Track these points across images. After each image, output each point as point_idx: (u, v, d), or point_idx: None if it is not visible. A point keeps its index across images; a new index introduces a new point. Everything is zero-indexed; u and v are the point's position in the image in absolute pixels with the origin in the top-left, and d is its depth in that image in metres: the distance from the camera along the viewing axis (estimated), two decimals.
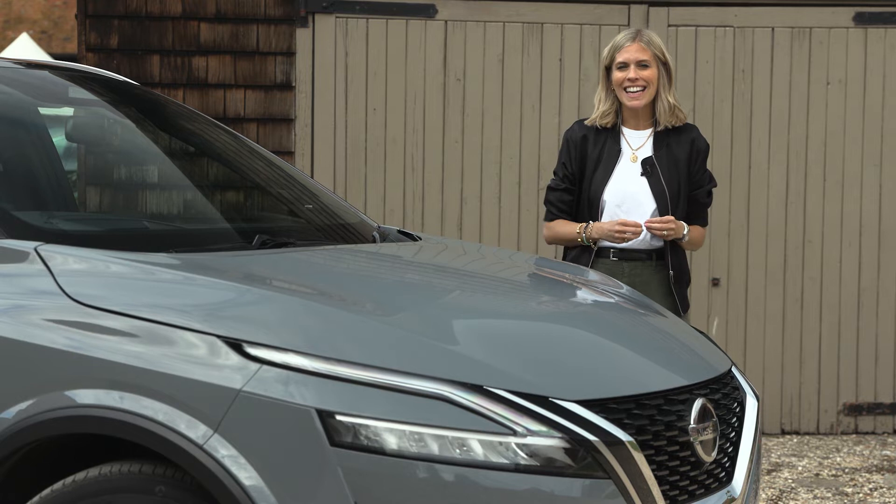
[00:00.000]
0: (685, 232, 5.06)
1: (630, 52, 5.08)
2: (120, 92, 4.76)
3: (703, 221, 5.24)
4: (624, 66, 5.09)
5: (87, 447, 3.30)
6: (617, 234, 4.99)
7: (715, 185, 5.26)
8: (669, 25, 7.31)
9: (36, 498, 3.23)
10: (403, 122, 7.29)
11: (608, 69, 5.16)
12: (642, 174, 5.09)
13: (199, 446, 3.05)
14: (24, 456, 3.28)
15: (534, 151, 7.25)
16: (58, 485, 3.21)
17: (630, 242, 5.03)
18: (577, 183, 5.15)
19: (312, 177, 6.93)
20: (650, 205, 5.07)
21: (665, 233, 5.00)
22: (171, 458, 3.09)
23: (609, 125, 5.15)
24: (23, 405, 3.21)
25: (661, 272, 5.08)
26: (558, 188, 5.20)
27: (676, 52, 7.31)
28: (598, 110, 5.18)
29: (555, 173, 5.24)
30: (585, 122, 5.20)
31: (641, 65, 5.08)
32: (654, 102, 5.13)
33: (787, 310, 7.47)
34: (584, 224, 5.08)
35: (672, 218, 5.02)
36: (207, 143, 4.84)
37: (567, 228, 5.14)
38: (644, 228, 5.00)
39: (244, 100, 7.15)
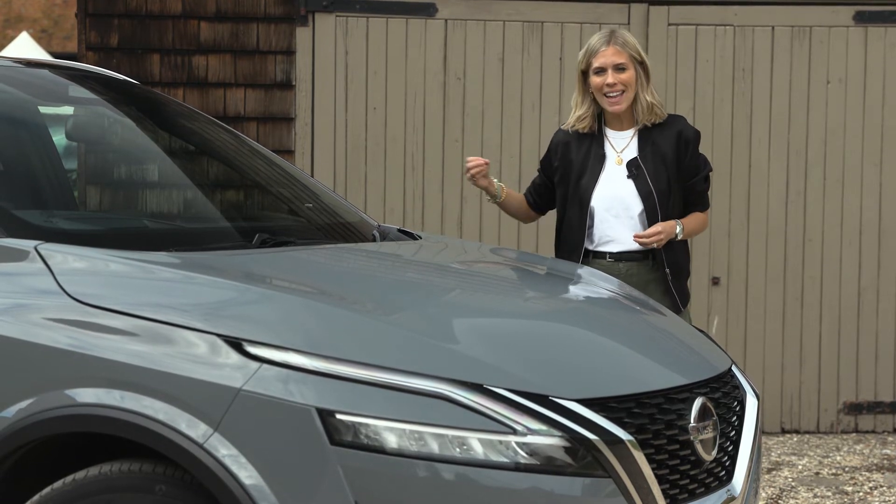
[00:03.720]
0: (678, 230, 5.05)
1: (606, 57, 5.06)
2: (120, 91, 4.76)
3: (702, 206, 5.23)
4: (601, 70, 5.07)
5: (87, 446, 3.30)
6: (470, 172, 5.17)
7: (711, 170, 5.23)
8: (669, 24, 7.31)
9: (36, 497, 3.23)
10: (403, 121, 7.29)
11: (584, 73, 5.15)
12: (628, 177, 5.08)
13: (199, 445, 3.05)
14: (25, 455, 3.28)
15: (534, 150, 7.24)
16: (58, 483, 3.21)
17: (625, 245, 5.04)
18: (552, 184, 5.23)
19: (312, 176, 6.93)
20: (637, 207, 5.06)
21: (655, 244, 5.01)
22: (172, 457, 3.09)
23: (586, 130, 5.14)
24: (23, 404, 3.21)
25: (658, 270, 5.07)
26: (537, 176, 5.38)
27: (676, 51, 7.31)
28: (573, 115, 5.17)
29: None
30: (562, 128, 5.22)
31: (618, 68, 5.06)
32: (633, 102, 5.12)
33: (787, 308, 7.46)
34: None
35: (659, 228, 5.00)
36: (207, 142, 4.84)
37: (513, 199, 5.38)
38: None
39: (244, 99, 7.15)
